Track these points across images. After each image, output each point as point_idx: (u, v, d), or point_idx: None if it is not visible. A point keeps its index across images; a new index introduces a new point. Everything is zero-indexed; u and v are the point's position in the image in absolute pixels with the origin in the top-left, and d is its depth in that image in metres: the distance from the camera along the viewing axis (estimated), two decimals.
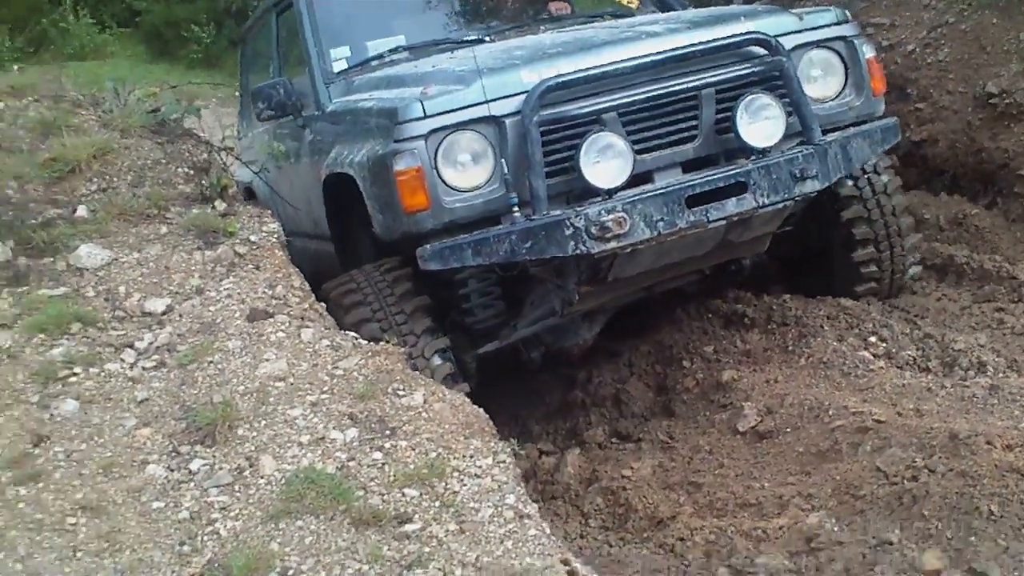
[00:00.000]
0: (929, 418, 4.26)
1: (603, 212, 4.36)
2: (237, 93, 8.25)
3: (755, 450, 4.65)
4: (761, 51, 4.77)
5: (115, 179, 5.07)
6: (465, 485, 3.41)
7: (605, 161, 4.47)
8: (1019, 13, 6.58)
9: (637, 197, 4.45)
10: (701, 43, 4.71)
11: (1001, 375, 4.76)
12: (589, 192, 4.50)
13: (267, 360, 3.84)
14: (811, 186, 4.66)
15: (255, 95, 6.01)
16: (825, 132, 4.81)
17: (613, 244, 4.41)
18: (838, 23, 5.07)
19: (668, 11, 6.14)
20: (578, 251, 4.38)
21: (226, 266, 4.49)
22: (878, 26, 7.10)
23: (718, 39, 4.74)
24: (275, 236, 4.82)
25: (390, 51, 5.81)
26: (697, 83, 4.67)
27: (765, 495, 4.26)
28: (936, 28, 6.86)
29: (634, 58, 4.60)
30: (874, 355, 5.09)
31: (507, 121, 4.46)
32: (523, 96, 4.42)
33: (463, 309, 5.26)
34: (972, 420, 4.20)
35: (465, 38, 5.75)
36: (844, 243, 5.67)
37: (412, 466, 3.44)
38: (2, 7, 19.81)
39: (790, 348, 5.31)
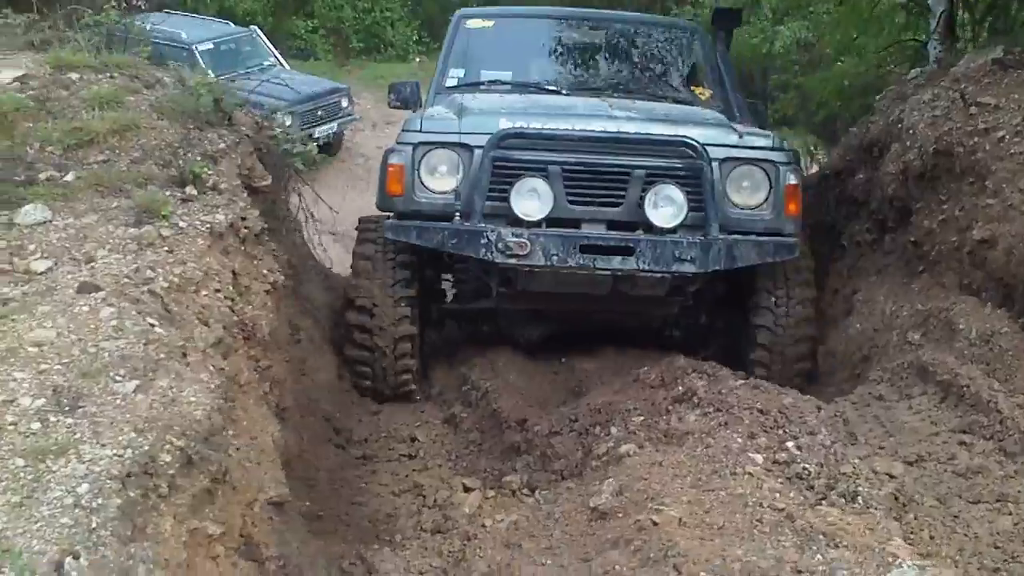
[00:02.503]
0: (721, 539, 4.01)
1: (511, 235, 5.93)
2: None
3: (588, 527, 4.52)
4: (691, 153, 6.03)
5: (123, 154, 5.39)
6: None
7: (529, 200, 5.96)
8: None
9: (542, 232, 5.95)
10: (636, 134, 6.10)
11: (855, 512, 4.32)
12: (517, 220, 5.97)
13: (45, 326, 3.95)
14: (687, 268, 5.99)
15: (389, 88, 8.21)
16: (736, 232, 6.09)
17: (512, 261, 5.97)
18: (771, 148, 6.27)
19: (725, 107, 7.42)
20: (485, 257, 5.99)
21: (142, 245, 4.64)
22: (982, 106, 6.36)
23: (653, 135, 6.11)
24: (208, 227, 4.95)
25: (489, 82, 7.47)
26: (625, 164, 6.05)
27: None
28: None
29: (583, 131, 6.06)
30: (771, 460, 4.74)
31: (475, 151, 6.06)
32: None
33: (437, 276, 7.08)
34: (754, 547, 3.92)
35: (547, 87, 7.34)
36: (747, 339, 6.70)
37: None
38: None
39: (702, 433, 5.05)
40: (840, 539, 3.84)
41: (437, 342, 7.53)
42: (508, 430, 5.92)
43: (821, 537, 3.85)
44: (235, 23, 19.00)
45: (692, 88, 7.74)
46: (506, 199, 5.97)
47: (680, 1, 18.38)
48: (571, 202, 6.04)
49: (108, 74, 6.17)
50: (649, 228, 6.03)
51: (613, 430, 5.35)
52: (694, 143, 6.01)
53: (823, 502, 4.40)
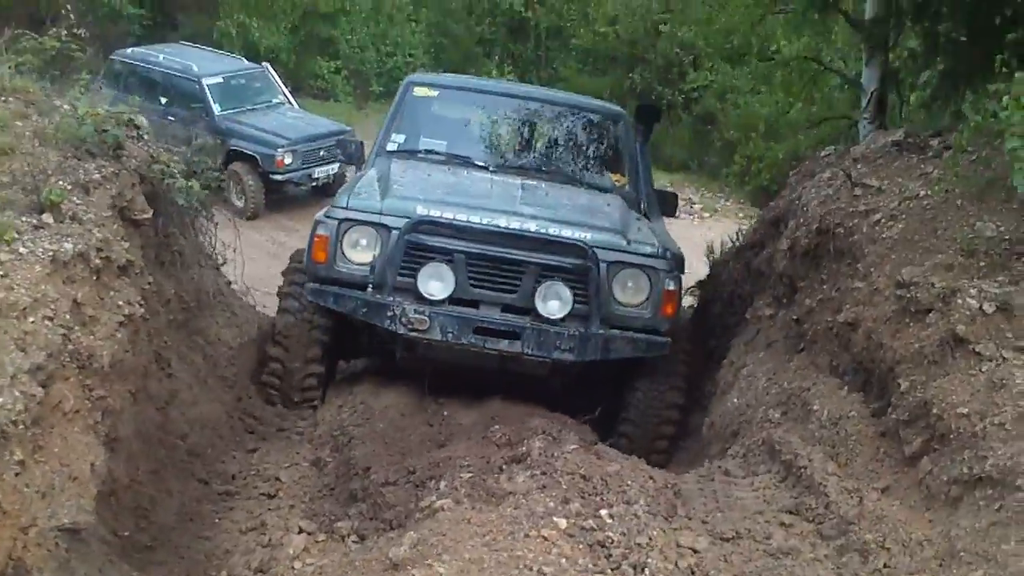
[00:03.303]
0: None
1: (414, 311, 6.66)
2: None
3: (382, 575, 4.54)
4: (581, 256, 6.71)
5: None
6: None
7: (434, 281, 6.67)
8: (993, 199, 5.67)
9: (442, 312, 6.66)
10: (535, 233, 6.74)
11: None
12: (422, 298, 6.68)
13: None
14: (566, 356, 6.76)
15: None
16: (617, 326, 6.83)
17: (413, 334, 6.70)
18: (654, 256, 6.94)
19: (636, 196, 8.13)
20: (390, 328, 6.72)
21: None
22: (867, 187, 6.35)
23: (549, 236, 6.74)
24: (51, 255, 4.96)
25: (425, 151, 8.07)
26: (521, 258, 6.71)
27: None
28: (906, 200, 6.03)
29: (488, 225, 6.71)
30: (576, 526, 4.72)
31: (392, 232, 6.72)
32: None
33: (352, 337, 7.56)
34: None
35: (475, 162, 7.96)
36: (620, 413, 7.36)
37: None
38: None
39: (520, 494, 5.03)
40: None
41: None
42: (354, 477, 5.93)
43: None
44: (258, 59, 19.31)
45: (610, 173, 8.33)
46: (415, 277, 6.68)
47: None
48: (472, 285, 6.72)
49: (2, 98, 6.25)
50: (538, 317, 6.72)
51: (442, 484, 5.34)
52: (584, 246, 6.74)
53: (610, 571, 4.39)
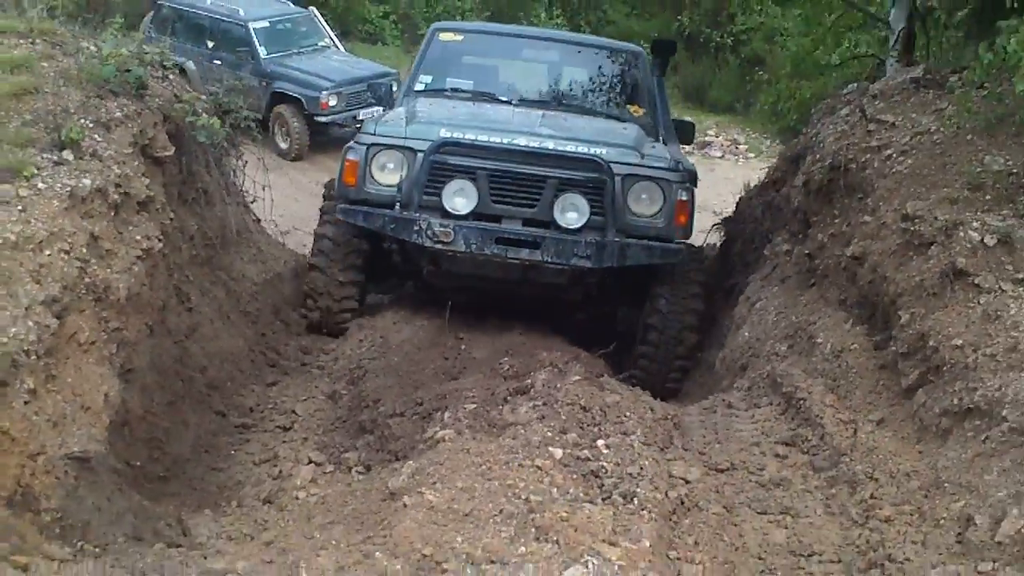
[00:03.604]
0: (453, 524, 4.11)
1: (439, 224, 6.93)
2: None
3: (378, 505, 4.62)
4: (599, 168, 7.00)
5: (16, 116, 5.52)
6: None
7: (458, 197, 6.98)
8: (1003, 134, 5.61)
9: (465, 225, 6.94)
10: (553, 150, 7.03)
11: (625, 512, 4.36)
12: (447, 214, 6.97)
13: None
14: (583, 263, 7.01)
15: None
16: (633, 236, 7.07)
17: (439, 245, 6.97)
18: (667, 169, 7.23)
19: (653, 125, 8.33)
20: (417, 241, 7.02)
21: None
22: (881, 123, 6.30)
23: (566, 152, 7.04)
24: (69, 190, 5.08)
25: (452, 89, 8.37)
26: (540, 173, 6.99)
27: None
28: (917, 135, 5.98)
29: (508, 144, 7.01)
30: (572, 456, 4.77)
31: (417, 154, 7.05)
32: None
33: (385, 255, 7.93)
34: (471, 534, 4.01)
35: (499, 98, 8.19)
36: (638, 334, 7.65)
37: None
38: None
39: (520, 425, 5.11)
40: (555, 535, 3.89)
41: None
42: (364, 409, 6.05)
43: (533, 531, 3.91)
44: (307, 4, 19.35)
45: (628, 105, 8.59)
46: (439, 195, 6.98)
47: None
48: (494, 201, 7.01)
49: (30, 40, 6.38)
50: (557, 228, 6.99)
51: (445, 416, 5.44)
52: (600, 160, 7.03)
53: (600, 500, 4.45)
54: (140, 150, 6.07)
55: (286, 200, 12.43)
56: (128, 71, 6.29)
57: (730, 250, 9.20)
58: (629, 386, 6.09)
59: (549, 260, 6.96)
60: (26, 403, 4.32)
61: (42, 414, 4.43)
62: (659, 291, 7.52)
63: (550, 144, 7.07)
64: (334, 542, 4.26)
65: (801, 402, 5.37)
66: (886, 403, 5.19)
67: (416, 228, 6.97)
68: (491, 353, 6.85)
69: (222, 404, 6.49)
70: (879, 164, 6.04)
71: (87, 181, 5.29)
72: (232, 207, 7.81)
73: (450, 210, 6.97)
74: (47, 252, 4.81)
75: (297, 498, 5.19)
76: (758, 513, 4.65)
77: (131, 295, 5.39)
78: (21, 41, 6.39)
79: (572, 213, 6.98)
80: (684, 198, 7.20)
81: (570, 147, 7.09)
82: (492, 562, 3.74)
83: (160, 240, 5.86)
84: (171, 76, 7.12)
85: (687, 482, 4.77)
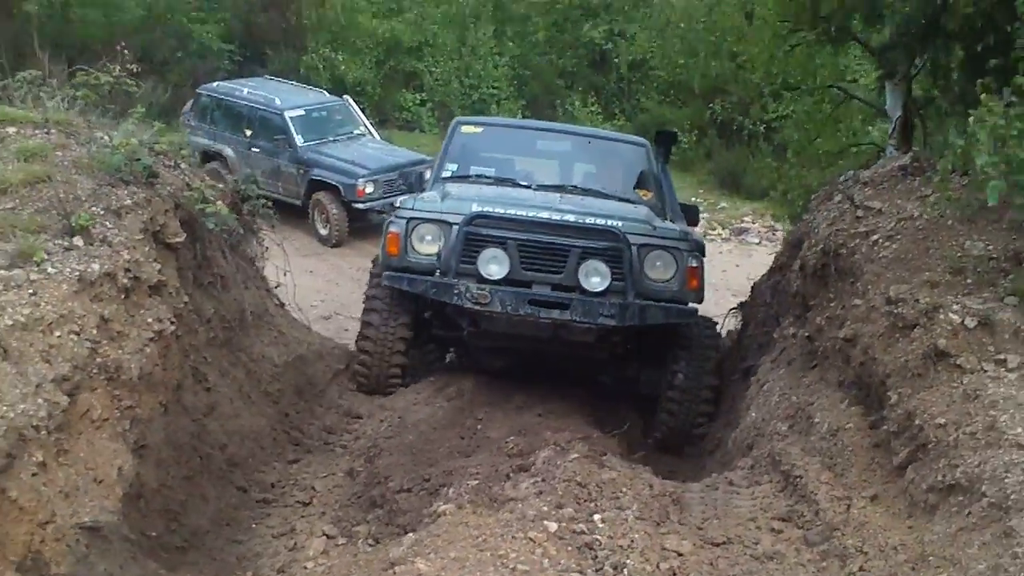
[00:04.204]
0: None
1: (477, 288, 7.69)
2: None
3: (380, 573, 4.83)
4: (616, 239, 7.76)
5: (30, 203, 5.84)
6: None
7: (492, 265, 7.74)
8: (983, 220, 5.83)
9: (500, 288, 7.69)
10: (575, 222, 7.83)
11: None
12: (482, 279, 7.72)
13: None
14: (608, 321, 7.73)
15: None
16: (650, 299, 7.83)
17: (477, 307, 7.71)
18: (677, 239, 8.06)
19: (661, 206, 9.09)
20: (457, 303, 7.77)
21: (8, 286, 5.05)
22: (868, 209, 6.55)
23: (587, 224, 7.82)
24: (78, 274, 5.34)
25: (476, 175, 9.16)
26: (565, 243, 7.77)
27: None
28: (902, 220, 6.21)
29: (535, 217, 7.80)
30: (568, 529, 4.98)
31: (453, 226, 7.82)
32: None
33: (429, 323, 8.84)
34: None
35: (519, 183, 8.93)
36: (660, 402, 8.53)
37: None
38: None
39: (519, 500, 5.32)
40: None
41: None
42: (376, 485, 6.28)
43: None
44: (345, 92, 19.84)
45: (637, 190, 9.25)
46: (474, 263, 7.75)
47: None
48: (524, 268, 7.77)
49: (45, 130, 6.75)
50: (583, 292, 7.70)
51: (450, 491, 5.65)
52: (617, 231, 7.79)
53: (592, 571, 4.64)
54: (152, 236, 6.36)
55: (328, 285, 12.85)
56: (138, 160, 6.58)
57: (745, 333, 9.45)
58: (632, 462, 6.41)
59: (578, 319, 7.68)
60: (34, 475, 4.54)
61: (52, 485, 4.67)
62: (678, 354, 8.33)
63: (571, 217, 7.86)
64: None
65: (798, 479, 5.55)
66: (880, 480, 5.33)
67: (456, 291, 7.71)
68: (506, 432, 7.08)
69: (243, 480, 6.73)
70: (866, 249, 6.26)
71: (96, 266, 5.55)
72: (252, 291, 8.12)
73: (485, 276, 7.71)
74: (57, 333, 5.07)
75: (306, 568, 5.41)
76: None
77: (143, 374, 5.64)
78: (36, 131, 6.75)
79: (596, 278, 7.71)
80: (694, 264, 7.99)
81: (589, 220, 7.86)
82: None
83: (172, 322, 6.11)
84: (183, 165, 7.45)
85: (680, 555, 4.92)
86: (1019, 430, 4.58)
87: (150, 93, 11.16)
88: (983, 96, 5.23)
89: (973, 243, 5.72)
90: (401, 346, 8.64)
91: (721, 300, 11.51)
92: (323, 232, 15.70)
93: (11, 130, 6.65)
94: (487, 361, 9.00)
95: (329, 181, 15.75)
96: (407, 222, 8.04)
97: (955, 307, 5.31)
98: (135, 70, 7.84)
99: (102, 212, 5.98)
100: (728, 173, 21.24)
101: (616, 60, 24.79)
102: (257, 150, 16.20)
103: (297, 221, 15.37)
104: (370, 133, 18.09)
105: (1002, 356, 5.05)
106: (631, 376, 9.01)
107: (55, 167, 6.27)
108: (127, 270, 5.77)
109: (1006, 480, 4.36)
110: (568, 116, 23.04)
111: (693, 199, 19.79)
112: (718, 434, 8.07)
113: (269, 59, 23.51)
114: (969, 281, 5.54)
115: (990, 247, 5.65)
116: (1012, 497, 4.27)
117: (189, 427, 6.32)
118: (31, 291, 5.12)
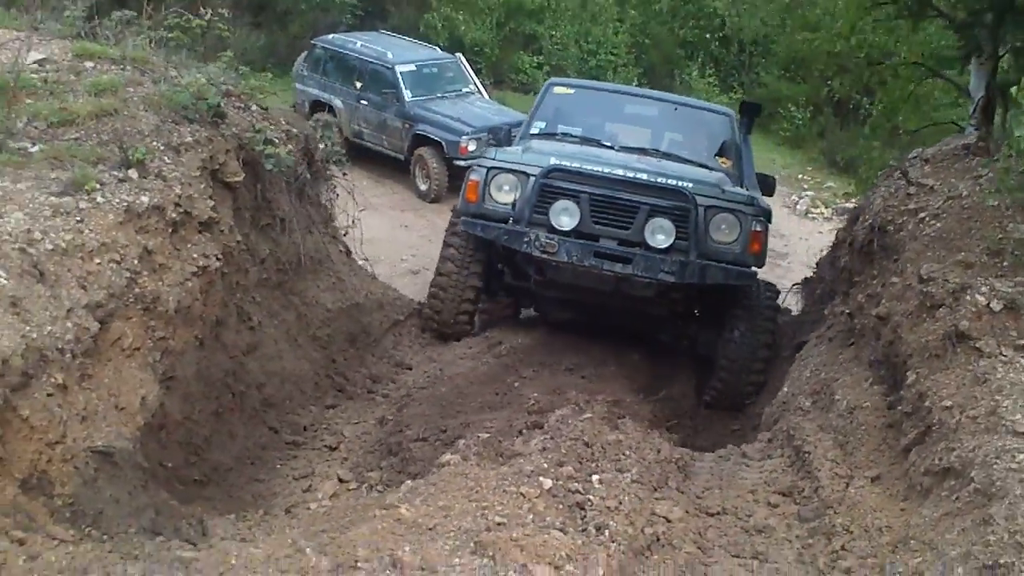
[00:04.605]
0: (411, 536, 4.33)
1: (546, 238, 7.96)
2: None
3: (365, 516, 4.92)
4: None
5: (95, 135, 6.02)
6: None
7: (563, 216, 8.00)
8: None
9: (568, 239, 7.95)
10: (646, 180, 8.04)
11: (591, 541, 4.53)
12: (553, 229, 7.99)
13: None
14: (668, 277, 7.94)
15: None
16: (713, 259, 7.98)
17: (545, 256, 8.02)
18: (743, 203, 8.17)
19: (738, 175, 9.19)
20: (526, 251, 8.08)
21: (56, 212, 5.18)
22: (921, 186, 6.32)
23: (658, 183, 8.03)
24: (126, 205, 5.50)
25: (563, 134, 9.44)
26: (634, 200, 7.99)
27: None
28: (950, 199, 5.99)
29: (608, 173, 8.06)
30: (563, 487, 4.95)
31: (530, 177, 8.17)
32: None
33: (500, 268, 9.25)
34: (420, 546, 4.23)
35: (603, 143, 9.22)
36: (714, 362, 8.69)
37: None
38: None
39: (523, 455, 5.33)
40: (494, 552, 4.09)
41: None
42: (397, 433, 6.36)
43: (472, 546, 4.13)
44: (463, 52, 19.91)
45: (717, 157, 9.43)
46: (547, 214, 8.03)
47: None
48: (594, 222, 8.02)
49: (122, 66, 6.94)
50: (647, 248, 7.88)
51: (460, 443, 5.69)
52: (686, 191, 7.97)
53: (571, 528, 4.63)
54: (210, 174, 6.50)
55: (420, 240, 12.96)
56: (204, 99, 6.72)
57: (804, 309, 9.31)
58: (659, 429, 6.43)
59: (639, 274, 7.89)
60: (49, 395, 4.61)
61: (70, 408, 4.76)
62: (736, 315, 8.51)
63: (644, 176, 8.09)
64: (290, 541, 4.49)
65: (807, 455, 5.46)
66: (887, 460, 5.22)
67: (526, 239, 8.01)
68: (544, 393, 7.08)
69: (276, 421, 6.87)
70: (913, 226, 6.10)
71: (145, 198, 5.70)
72: (315, 236, 8.26)
73: (556, 227, 7.98)
74: (96, 261, 5.20)
75: (309, 508, 5.51)
76: (731, 555, 4.76)
77: (181, 308, 5.79)
78: (112, 67, 6.93)
79: (660, 235, 7.90)
80: (758, 229, 8.12)
81: (660, 179, 8.07)
82: (421, 568, 3.94)
83: (219, 259, 6.25)
84: (253, 107, 7.56)
85: (668, 520, 4.89)
86: (1018, 416, 4.43)
87: (245, 38, 11.35)
88: None
89: (1017, 226, 5.51)
90: (471, 293, 8.97)
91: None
92: (423, 187, 15.78)
93: (88, 64, 6.85)
94: (554, 312, 9.40)
95: (433, 136, 15.78)
96: (487, 171, 8.38)
97: (983, 289, 5.15)
98: (227, 15, 8.03)
99: (161, 148, 6.13)
100: (839, 153, 20.73)
101: (741, 32, 24.34)
102: (366, 103, 16.33)
103: (400, 176, 15.57)
104: (479, 92, 18.06)
105: (1023, 341, 4.87)
106: (691, 336, 9.19)
107: (124, 102, 6.43)
108: (177, 204, 5.92)
109: (995, 466, 4.23)
110: (685, 87, 22.70)
111: (801, 176, 19.47)
112: (761, 409, 7.93)
113: (390, 15, 23.65)
114: (1005, 263, 5.37)
115: None
116: (997, 484, 4.15)
117: (225, 364, 6.47)
118: (78, 218, 5.25)
